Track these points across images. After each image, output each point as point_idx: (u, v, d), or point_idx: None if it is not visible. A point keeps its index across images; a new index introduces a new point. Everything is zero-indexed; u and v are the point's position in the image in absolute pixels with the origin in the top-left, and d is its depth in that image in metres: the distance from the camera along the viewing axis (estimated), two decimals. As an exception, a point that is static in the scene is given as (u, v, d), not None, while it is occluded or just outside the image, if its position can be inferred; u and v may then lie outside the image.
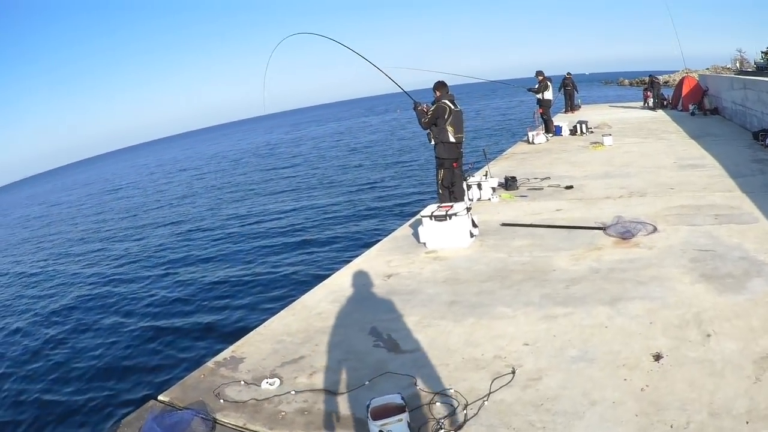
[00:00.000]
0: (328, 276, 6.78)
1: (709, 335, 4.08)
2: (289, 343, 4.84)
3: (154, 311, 11.25)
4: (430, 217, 7.12)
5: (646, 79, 25.22)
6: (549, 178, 10.77)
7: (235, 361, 4.62)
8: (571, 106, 24.56)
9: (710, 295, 4.75)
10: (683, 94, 21.54)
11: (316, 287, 6.32)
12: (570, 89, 24.38)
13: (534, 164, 12.72)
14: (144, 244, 18.52)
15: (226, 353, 4.81)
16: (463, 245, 7.03)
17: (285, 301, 6.60)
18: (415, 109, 8.66)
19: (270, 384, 4.11)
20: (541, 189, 9.95)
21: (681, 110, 21.24)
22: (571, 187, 9.78)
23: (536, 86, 17.62)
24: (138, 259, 16.25)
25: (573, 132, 17.21)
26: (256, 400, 3.95)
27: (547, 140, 16.53)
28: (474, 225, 7.34)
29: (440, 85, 8.65)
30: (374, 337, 4.77)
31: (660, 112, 21.37)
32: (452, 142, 8.49)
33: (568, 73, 24.60)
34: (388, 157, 31.34)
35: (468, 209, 7.30)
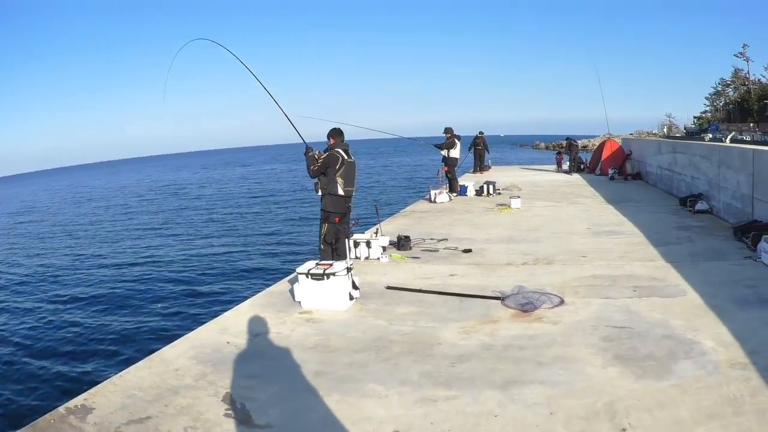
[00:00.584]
0: (194, 329, 6.81)
1: (624, 429, 3.86)
2: (139, 400, 4.83)
3: (24, 343, 12.29)
4: (307, 274, 7.18)
5: (563, 142, 26.30)
6: (447, 239, 10.78)
7: (85, 411, 4.64)
8: (480, 166, 25.75)
9: (627, 381, 4.58)
10: (603, 158, 22.68)
11: (178, 340, 6.31)
12: (480, 149, 25.72)
13: (433, 224, 12.83)
14: (26, 275, 20.01)
15: (78, 400, 4.84)
16: (340, 308, 7.05)
17: (146, 351, 6.89)
18: (306, 154, 8.66)
19: (110, 445, 4.10)
20: (436, 251, 9.87)
21: (599, 174, 22.22)
22: (469, 250, 9.75)
23: (443, 143, 17.82)
24: (14, 293, 17.48)
25: (479, 192, 17.79)
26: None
27: (451, 200, 16.94)
28: (355, 287, 7.35)
29: (335, 133, 8.80)
30: (227, 404, 4.68)
31: (576, 176, 22.38)
32: (341, 195, 8.60)
33: (480, 132, 25.84)
34: (289, 206, 34.66)
35: (349, 269, 7.31)
